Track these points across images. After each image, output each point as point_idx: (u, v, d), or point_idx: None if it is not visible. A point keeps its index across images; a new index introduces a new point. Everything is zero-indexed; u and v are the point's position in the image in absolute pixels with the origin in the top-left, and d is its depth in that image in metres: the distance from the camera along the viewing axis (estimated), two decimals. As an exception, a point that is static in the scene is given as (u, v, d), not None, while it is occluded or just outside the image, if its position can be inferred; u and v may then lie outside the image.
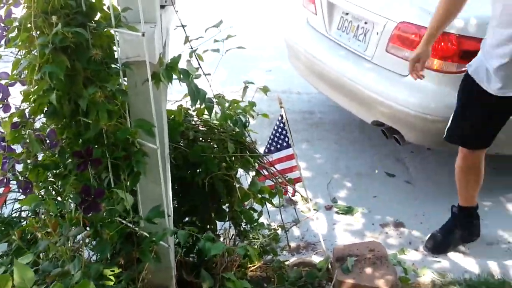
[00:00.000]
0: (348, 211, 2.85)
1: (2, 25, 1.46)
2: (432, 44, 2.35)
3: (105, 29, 1.42)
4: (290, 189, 2.24)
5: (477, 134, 2.37)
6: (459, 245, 2.58)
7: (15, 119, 1.40)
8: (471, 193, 2.53)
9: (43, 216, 1.36)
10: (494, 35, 2.15)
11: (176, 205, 1.84)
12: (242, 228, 1.99)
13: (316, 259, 2.34)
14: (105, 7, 1.46)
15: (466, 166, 2.46)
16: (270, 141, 2.41)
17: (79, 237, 1.37)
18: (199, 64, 1.69)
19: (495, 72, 2.15)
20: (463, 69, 2.58)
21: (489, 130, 2.35)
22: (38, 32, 1.37)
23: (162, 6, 1.55)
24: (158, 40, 1.47)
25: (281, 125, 2.35)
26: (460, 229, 2.58)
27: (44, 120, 1.50)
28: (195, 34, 1.74)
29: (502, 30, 2.10)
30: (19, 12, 1.41)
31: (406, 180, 3.14)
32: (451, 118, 2.41)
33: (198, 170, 1.82)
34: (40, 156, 1.50)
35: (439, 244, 2.58)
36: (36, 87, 1.33)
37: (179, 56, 1.57)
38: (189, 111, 1.89)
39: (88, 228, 1.36)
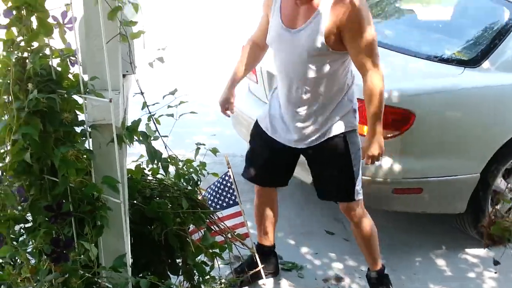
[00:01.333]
0: (292, 267, 3.02)
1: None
2: (235, 87, 2.74)
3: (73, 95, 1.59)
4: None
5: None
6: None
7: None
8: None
9: (18, 263, 1.45)
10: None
11: (132, 259, 1.95)
12: (195, 282, 2.11)
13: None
14: (70, 75, 1.64)
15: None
16: (214, 199, 2.56)
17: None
18: (156, 127, 1.87)
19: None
20: (389, 135, 2.90)
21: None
22: (12, 98, 1.52)
23: (124, 75, 1.74)
24: (121, 106, 1.65)
25: (228, 184, 2.53)
26: None
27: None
28: (153, 100, 1.92)
29: None
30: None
31: (345, 237, 3.35)
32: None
33: (153, 226, 1.96)
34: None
35: None
36: (12, 147, 1.46)
37: (139, 120, 1.75)
38: (144, 170, 2.04)
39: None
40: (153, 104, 1.93)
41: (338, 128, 2.45)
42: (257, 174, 2.69)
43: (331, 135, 2.45)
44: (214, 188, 2.63)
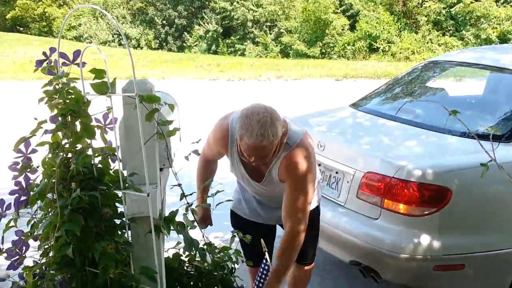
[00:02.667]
0: None
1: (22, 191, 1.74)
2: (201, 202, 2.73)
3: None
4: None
5: None
6: None
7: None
8: None
9: None
10: None
11: None
12: None
13: None
14: (111, 171, 1.76)
15: None
16: (257, 283, 2.59)
17: None
18: (194, 217, 1.96)
19: None
20: (426, 212, 2.91)
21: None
22: (56, 196, 1.64)
23: (161, 169, 1.86)
24: (159, 198, 1.75)
25: (266, 267, 2.56)
26: None
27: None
28: (190, 190, 2.03)
29: None
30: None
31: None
32: None
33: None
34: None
35: None
36: (55, 243, 1.57)
37: (177, 210, 1.84)
38: (181, 257, 2.11)
39: None
40: (191, 194, 2.03)
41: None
42: (253, 258, 2.73)
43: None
44: (258, 277, 2.65)
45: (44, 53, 1.65)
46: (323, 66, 16.23)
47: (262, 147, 2.15)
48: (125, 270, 1.68)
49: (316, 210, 2.86)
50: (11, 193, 1.71)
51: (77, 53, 1.65)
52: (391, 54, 18.98)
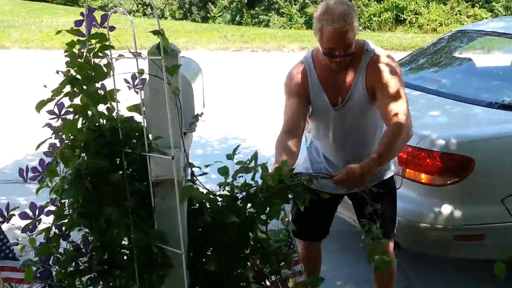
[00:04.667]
0: (351, 316, 3.01)
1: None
2: None
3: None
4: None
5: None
6: None
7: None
8: None
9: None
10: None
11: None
12: None
13: None
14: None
15: None
16: None
17: None
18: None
19: None
20: (448, 182, 2.90)
21: None
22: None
23: (184, 133, 1.89)
24: (182, 161, 1.79)
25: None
26: None
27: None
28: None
29: None
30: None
31: (406, 286, 3.31)
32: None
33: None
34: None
35: None
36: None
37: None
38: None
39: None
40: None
41: (387, 174, 2.59)
42: (307, 231, 2.69)
43: (383, 179, 2.57)
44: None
45: (81, 13, 1.65)
46: (348, 37, 15.98)
47: (345, 31, 2.21)
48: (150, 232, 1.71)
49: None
50: (46, 154, 1.73)
51: (104, 17, 1.67)
52: (418, 26, 18.57)
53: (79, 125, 1.65)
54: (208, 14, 23.57)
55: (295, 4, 21.70)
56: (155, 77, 1.66)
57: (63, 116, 1.70)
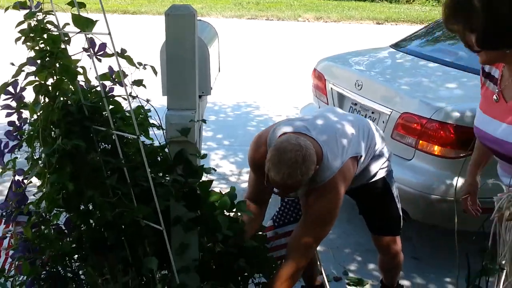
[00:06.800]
0: (358, 283, 3.04)
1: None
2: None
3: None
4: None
5: None
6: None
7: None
8: None
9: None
10: None
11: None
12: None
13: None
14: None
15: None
16: (277, 214, 2.61)
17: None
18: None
19: None
20: (461, 154, 2.89)
21: None
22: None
23: (200, 96, 1.89)
24: (196, 125, 1.80)
25: (296, 200, 2.59)
26: None
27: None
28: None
29: None
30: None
31: (413, 256, 3.34)
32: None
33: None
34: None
35: None
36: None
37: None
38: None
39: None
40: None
41: (375, 177, 2.51)
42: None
43: (370, 181, 2.50)
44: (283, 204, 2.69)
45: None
46: (364, 8, 15.77)
47: (288, 185, 2.01)
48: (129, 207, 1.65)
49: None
50: (6, 134, 1.68)
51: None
52: (437, -1, 18.26)
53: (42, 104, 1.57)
54: (224, -19, 23.25)
55: (312, -27, 21.33)
56: (172, 39, 1.67)
57: (21, 94, 1.62)
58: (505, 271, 1.97)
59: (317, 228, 2.18)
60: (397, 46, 4.12)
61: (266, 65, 8.37)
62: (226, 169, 4.54)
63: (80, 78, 1.63)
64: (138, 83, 1.63)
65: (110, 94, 1.64)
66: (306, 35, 11.69)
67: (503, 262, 1.97)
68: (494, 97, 1.85)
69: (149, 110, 1.84)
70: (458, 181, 2.92)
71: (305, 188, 2.15)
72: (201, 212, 1.81)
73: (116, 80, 1.63)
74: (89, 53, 1.58)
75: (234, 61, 8.25)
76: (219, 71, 2.20)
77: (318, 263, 2.67)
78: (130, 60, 1.55)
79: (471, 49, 1.66)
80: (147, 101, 1.79)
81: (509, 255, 1.96)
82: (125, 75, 1.57)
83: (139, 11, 14.11)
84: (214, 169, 1.92)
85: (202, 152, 1.89)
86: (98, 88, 1.65)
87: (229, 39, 9.89)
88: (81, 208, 1.67)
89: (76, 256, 1.83)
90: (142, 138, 1.65)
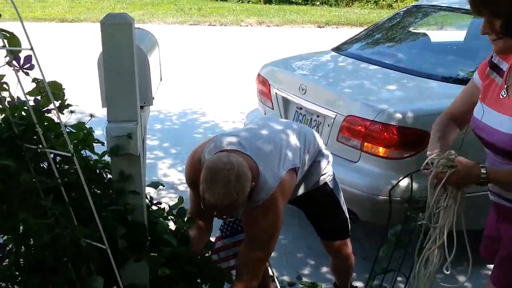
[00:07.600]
0: (313, 287, 3.05)
1: None
2: None
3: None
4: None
5: None
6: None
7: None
8: None
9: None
10: None
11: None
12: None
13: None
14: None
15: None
16: (225, 225, 2.58)
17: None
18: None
19: None
20: (405, 155, 2.95)
21: None
22: None
23: (141, 107, 1.83)
24: (139, 136, 1.74)
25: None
26: None
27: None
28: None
29: None
30: None
31: (363, 257, 3.38)
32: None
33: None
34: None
35: None
36: None
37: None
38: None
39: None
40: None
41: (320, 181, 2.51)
42: None
43: (318, 185, 2.51)
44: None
45: None
46: (305, 12, 15.98)
47: (225, 206, 1.95)
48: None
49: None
50: None
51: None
52: (374, 2, 18.74)
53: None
54: (164, -13, 23.03)
55: (252, -22, 21.43)
56: (110, 49, 1.60)
57: None
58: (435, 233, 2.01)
59: (262, 248, 2.17)
60: (338, 49, 4.18)
61: (211, 71, 8.32)
62: (174, 178, 4.45)
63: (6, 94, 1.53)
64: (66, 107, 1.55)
65: (44, 110, 1.56)
66: (249, 39, 11.72)
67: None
68: (502, 92, 1.84)
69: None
70: (405, 181, 2.98)
71: (244, 208, 2.09)
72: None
73: (44, 94, 1.54)
74: (13, 68, 1.48)
75: (178, 68, 8.16)
76: (161, 80, 2.14)
77: (270, 270, 2.65)
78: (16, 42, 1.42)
79: (491, 35, 1.67)
80: (91, 116, 1.72)
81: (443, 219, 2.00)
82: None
83: (78, 19, 13.73)
84: (162, 184, 1.86)
85: (148, 161, 1.83)
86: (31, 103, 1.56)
87: (172, 45, 9.78)
88: (15, 230, 1.58)
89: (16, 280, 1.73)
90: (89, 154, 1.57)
